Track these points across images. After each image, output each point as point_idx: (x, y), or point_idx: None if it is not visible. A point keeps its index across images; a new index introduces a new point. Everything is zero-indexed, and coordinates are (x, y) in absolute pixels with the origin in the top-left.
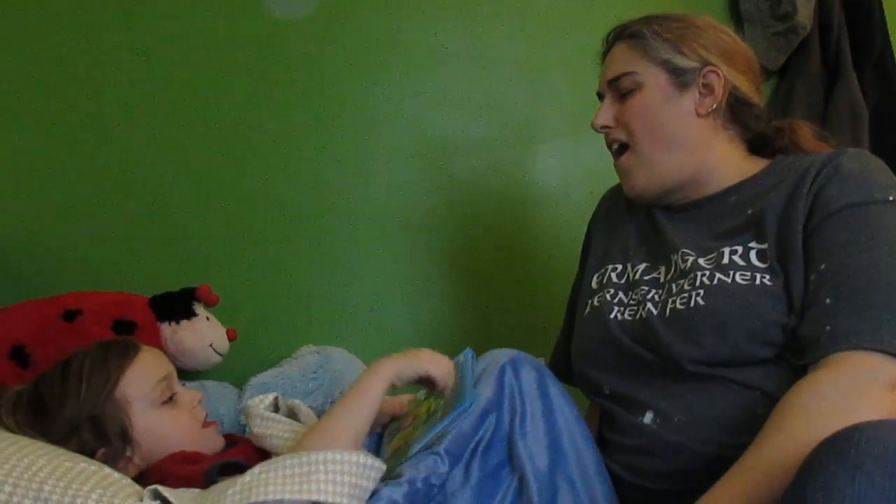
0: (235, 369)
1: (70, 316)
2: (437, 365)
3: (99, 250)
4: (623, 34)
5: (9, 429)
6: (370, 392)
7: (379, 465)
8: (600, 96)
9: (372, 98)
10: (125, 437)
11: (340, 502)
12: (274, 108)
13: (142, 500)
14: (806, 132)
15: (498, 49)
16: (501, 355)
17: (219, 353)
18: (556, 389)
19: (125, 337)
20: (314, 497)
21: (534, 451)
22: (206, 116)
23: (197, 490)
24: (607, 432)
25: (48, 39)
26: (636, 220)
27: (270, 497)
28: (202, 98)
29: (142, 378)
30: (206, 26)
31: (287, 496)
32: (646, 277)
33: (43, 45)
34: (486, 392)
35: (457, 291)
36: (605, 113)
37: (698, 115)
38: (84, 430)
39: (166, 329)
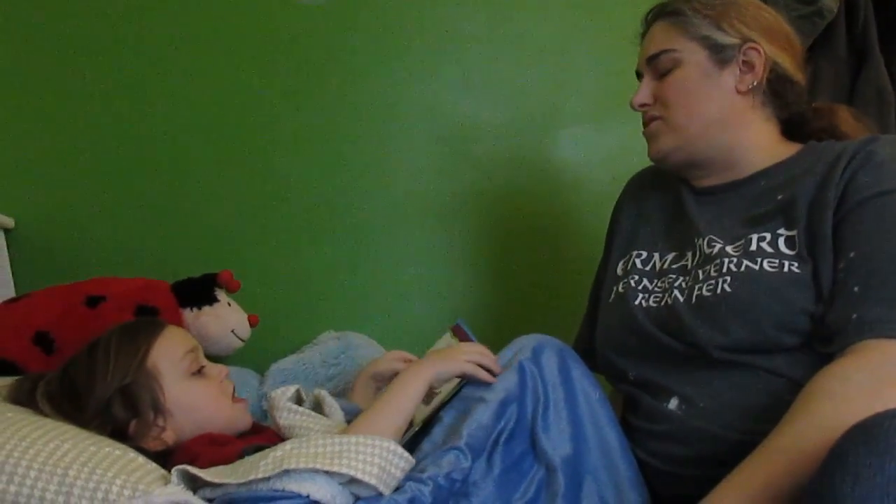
0: (257, 355)
1: (93, 302)
2: (473, 367)
3: (121, 236)
4: (662, 12)
5: (43, 413)
6: (410, 393)
7: (408, 458)
8: (639, 75)
9: (393, 83)
10: (157, 407)
11: (369, 481)
12: (295, 94)
13: (167, 483)
14: (846, 116)
15: (520, 33)
16: (522, 347)
17: (240, 339)
18: (578, 372)
19: None
20: (344, 471)
21: (557, 442)
22: (227, 104)
23: (224, 466)
24: (632, 418)
25: (73, 26)
26: (664, 205)
27: (302, 465)
28: (222, 85)
29: (171, 349)
30: (227, 14)
31: (319, 465)
32: (674, 266)
33: (68, 31)
34: (506, 383)
35: (478, 277)
36: (644, 91)
37: (738, 91)
38: (115, 404)
39: (188, 315)
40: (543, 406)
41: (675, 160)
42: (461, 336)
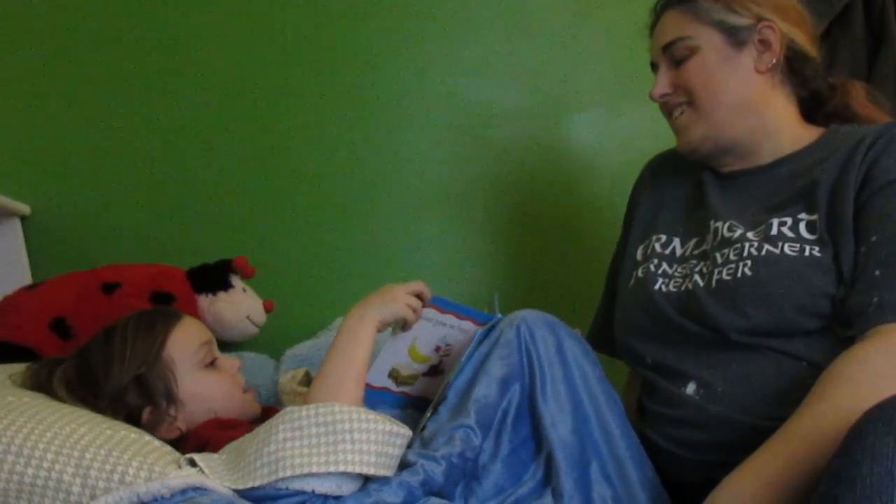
0: (272, 341)
1: (109, 288)
2: (410, 310)
3: (136, 223)
4: (671, 1)
5: (59, 398)
6: (361, 340)
7: (405, 433)
8: (654, 66)
9: (407, 68)
10: (170, 397)
11: (367, 471)
12: (309, 78)
13: (180, 466)
14: (859, 92)
15: (534, 17)
16: (515, 319)
17: (255, 325)
18: (575, 350)
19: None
20: (341, 468)
21: (556, 419)
22: (241, 91)
23: (226, 457)
24: (648, 403)
25: (89, 17)
26: (683, 189)
27: (298, 472)
28: (238, 71)
29: (186, 340)
30: (242, 1)
31: (314, 468)
32: (695, 252)
33: (84, 21)
34: (507, 359)
35: (493, 262)
36: (662, 81)
37: (758, 72)
38: (130, 392)
39: (203, 301)
40: (541, 381)
41: (705, 150)
42: (491, 310)
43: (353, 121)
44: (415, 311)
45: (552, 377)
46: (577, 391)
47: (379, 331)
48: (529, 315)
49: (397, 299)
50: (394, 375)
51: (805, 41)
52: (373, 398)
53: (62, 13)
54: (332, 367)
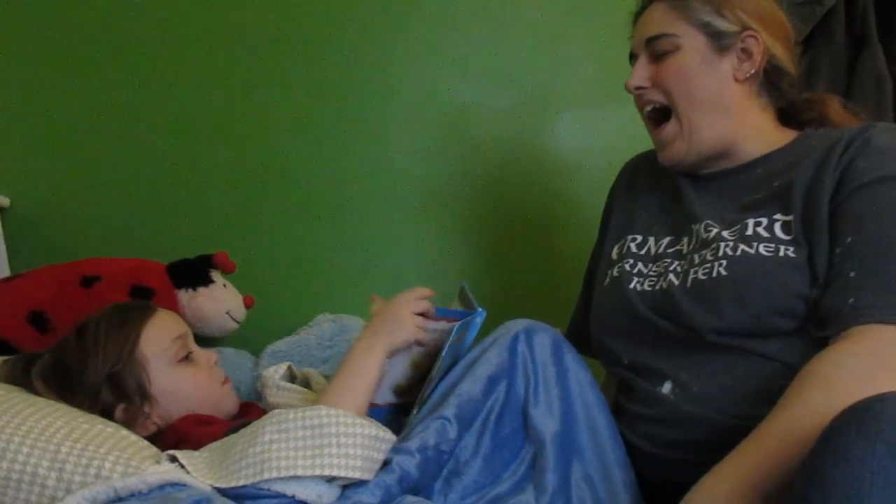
0: (252, 336)
1: (88, 282)
2: (420, 331)
3: (117, 217)
4: None
5: (36, 393)
6: (367, 370)
7: (390, 437)
8: (633, 56)
9: (391, 66)
10: (143, 394)
11: (353, 475)
12: (293, 75)
13: (159, 462)
14: (836, 106)
15: (519, 18)
16: (515, 325)
17: (235, 321)
18: (571, 356)
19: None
20: (326, 472)
21: (547, 420)
22: (225, 83)
23: (208, 454)
24: (625, 402)
25: (69, 10)
26: (659, 190)
27: (283, 473)
28: (220, 65)
29: (158, 336)
30: None
31: (300, 472)
32: (669, 250)
33: (64, 15)
34: (496, 359)
35: (474, 260)
36: (640, 73)
37: (735, 79)
38: (104, 389)
39: (183, 296)
40: (534, 385)
41: (688, 163)
42: (464, 301)
43: (336, 118)
44: (423, 328)
45: (545, 378)
46: (569, 393)
47: (387, 357)
48: (531, 322)
49: (406, 325)
50: (397, 390)
51: (785, 57)
52: (377, 416)
53: (43, 5)
54: (333, 399)
